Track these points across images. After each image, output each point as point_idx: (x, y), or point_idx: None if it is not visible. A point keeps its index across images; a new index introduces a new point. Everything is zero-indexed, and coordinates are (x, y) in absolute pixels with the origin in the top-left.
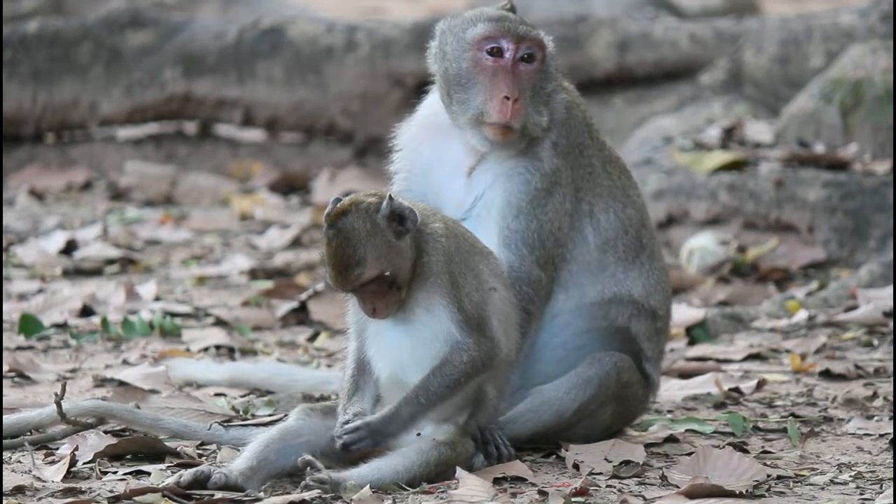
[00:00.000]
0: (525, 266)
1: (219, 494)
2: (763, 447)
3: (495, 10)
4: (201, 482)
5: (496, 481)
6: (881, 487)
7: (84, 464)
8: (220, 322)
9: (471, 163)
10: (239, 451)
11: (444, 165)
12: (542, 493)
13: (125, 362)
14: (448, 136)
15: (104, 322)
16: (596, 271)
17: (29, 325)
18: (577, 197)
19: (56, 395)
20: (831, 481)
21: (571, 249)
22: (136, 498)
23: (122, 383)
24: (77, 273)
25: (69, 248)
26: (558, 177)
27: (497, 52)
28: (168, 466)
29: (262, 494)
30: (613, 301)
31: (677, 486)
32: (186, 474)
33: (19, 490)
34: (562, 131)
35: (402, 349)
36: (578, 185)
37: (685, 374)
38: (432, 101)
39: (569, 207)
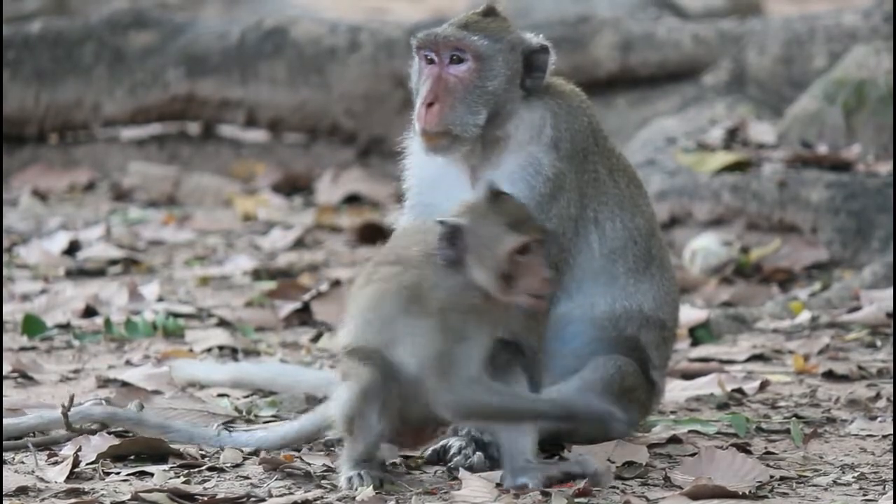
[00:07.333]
0: None
1: (221, 494)
2: (766, 448)
3: (449, 20)
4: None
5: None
6: (884, 488)
7: (87, 465)
8: (223, 323)
9: (469, 172)
10: (242, 452)
11: (448, 177)
12: (545, 493)
13: (128, 363)
14: None
15: (107, 323)
16: (605, 281)
17: (32, 325)
18: (581, 203)
19: (63, 406)
20: (834, 482)
21: (576, 255)
22: (142, 494)
23: (125, 384)
24: (80, 273)
25: (72, 248)
26: (562, 181)
27: (431, 61)
28: (171, 467)
29: (265, 494)
30: (624, 314)
31: (680, 487)
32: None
33: (22, 491)
34: (563, 135)
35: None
36: (583, 190)
37: (688, 375)
38: None
39: (573, 213)
